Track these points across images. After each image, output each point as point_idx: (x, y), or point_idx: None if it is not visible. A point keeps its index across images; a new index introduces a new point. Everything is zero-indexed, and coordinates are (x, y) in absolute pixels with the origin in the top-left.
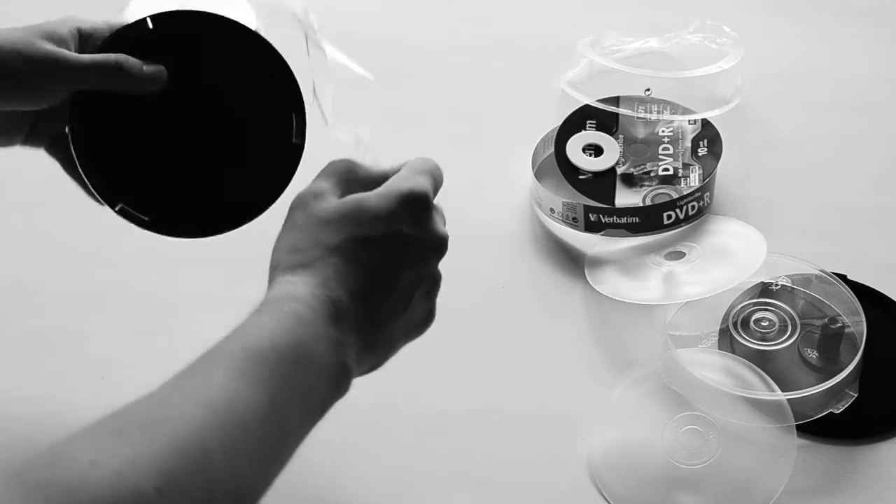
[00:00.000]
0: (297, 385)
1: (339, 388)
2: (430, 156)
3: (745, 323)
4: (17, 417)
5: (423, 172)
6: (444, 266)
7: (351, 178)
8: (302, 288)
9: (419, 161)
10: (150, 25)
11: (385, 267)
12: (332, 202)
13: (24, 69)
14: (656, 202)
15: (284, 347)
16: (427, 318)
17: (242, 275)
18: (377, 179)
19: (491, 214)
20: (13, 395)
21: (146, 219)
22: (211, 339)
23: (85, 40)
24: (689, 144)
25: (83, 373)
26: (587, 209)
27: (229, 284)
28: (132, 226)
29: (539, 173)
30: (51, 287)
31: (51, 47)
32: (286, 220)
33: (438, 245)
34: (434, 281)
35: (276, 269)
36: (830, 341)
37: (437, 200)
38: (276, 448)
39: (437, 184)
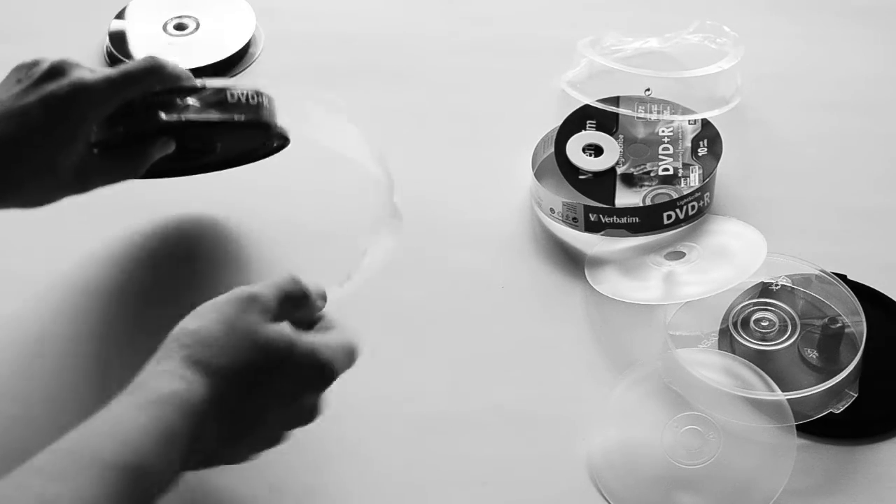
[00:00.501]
0: (147, 498)
1: (163, 495)
2: (431, 154)
3: (745, 323)
4: (17, 417)
5: (347, 354)
6: (444, 266)
7: (297, 308)
8: (189, 399)
9: (350, 340)
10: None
11: (259, 413)
12: (270, 328)
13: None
14: (656, 202)
15: (151, 469)
16: (243, 459)
17: (243, 275)
18: (308, 322)
19: (491, 214)
20: (13, 394)
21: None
22: None
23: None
24: (689, 144)
25: (83, 373)
26: (587, 209)
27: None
28: (133, 226)
29: (539, 173)
30: (51, 287)
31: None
32: (218, 306)
33: (312, 414)
34: (275, 440)
35: (181, 348)
36: (830, 341)
37: None
38: None
39: (348, 364)
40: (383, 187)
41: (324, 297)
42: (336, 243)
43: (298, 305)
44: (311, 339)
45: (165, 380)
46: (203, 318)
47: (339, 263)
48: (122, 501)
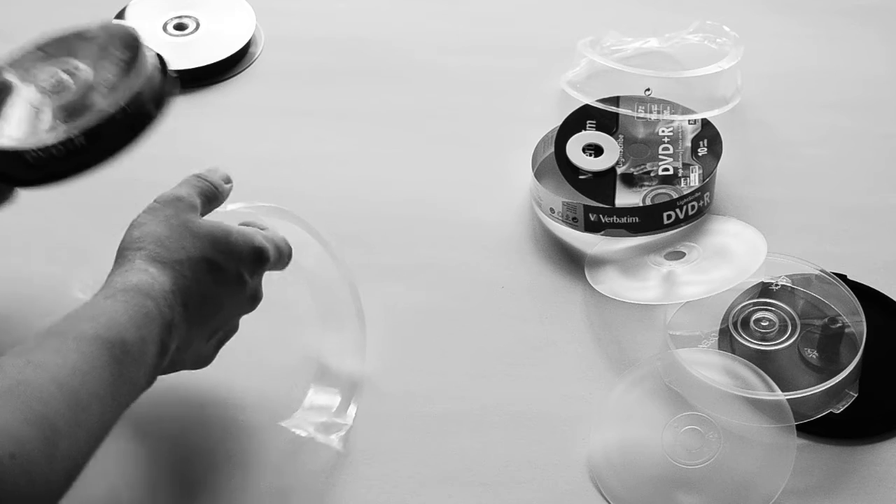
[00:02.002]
0: (131, 378)
1: (149, 384)
2: (431, 154)
3: (745, 323)
4: None
5: (277, 244)
6: (444, 266)
7: (211, 200)
8: (157, 287)
9: (275, 235)
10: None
11: (217, 296)
12: (204, 220)
13: None
14: (656, 202)
15: (131, 345)
16: (208, 358)
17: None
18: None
19: (491, 214)
20: None
21: None
22: None
23: None
24: (689, 144)
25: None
26: (587, 209)
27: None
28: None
29: (539, 173)
30: (50, 287)
31: None
32: (153, 210)
33: (255, 298)
34: (232, 328)
35: (136, 251)
36: (830, 341)
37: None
38: (107, 427)
39: (279, 257)
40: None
41: (228, 181)
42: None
43: (213, 198)
44: (244, 228)
45: (132, 275)
46: (145, 225)
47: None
48: (103, 371)
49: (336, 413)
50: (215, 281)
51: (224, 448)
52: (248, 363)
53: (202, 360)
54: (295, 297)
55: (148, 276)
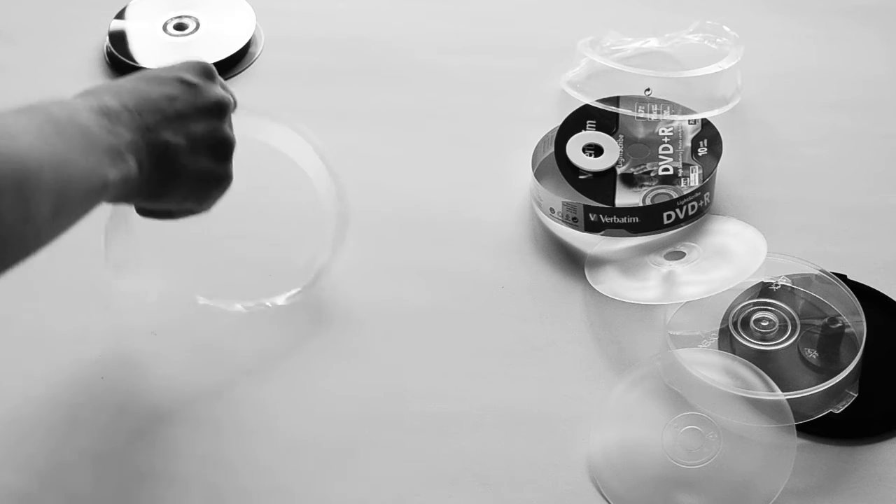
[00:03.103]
0: (76, 143)
1: (115, 166)
2: (431, 154)
3: (745, 323)
4: (17, 417)
5: (232, 101)
6: (444, 266)
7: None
8: (94, 94)
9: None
10: None
11: (162, 95)
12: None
13: None
14: (656, 202)
15: (63, 117)
16: (215, 175)
17: (242, 276)
18: None
19: (491, 214)
20: (13, 394)
21: None
22: (210, 339)
23: None
24: (689, 144)
25: (83, 373)
26: (587, 209)
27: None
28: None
29: (539, 173)
30: (51, 287)
31: None
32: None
33: (219, 101)
34: (222, 140)
35: (87, 92)
36: (830, 341)
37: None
38: (62, 191)
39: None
40: (333, 194)
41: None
42: (286, 248)
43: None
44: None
45: (88, 100)
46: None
47: (288, 270)
48: (74, 143)
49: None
50: (152, 84)
51: (223, 447)
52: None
53: (210, 180)
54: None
55: (100, 101)
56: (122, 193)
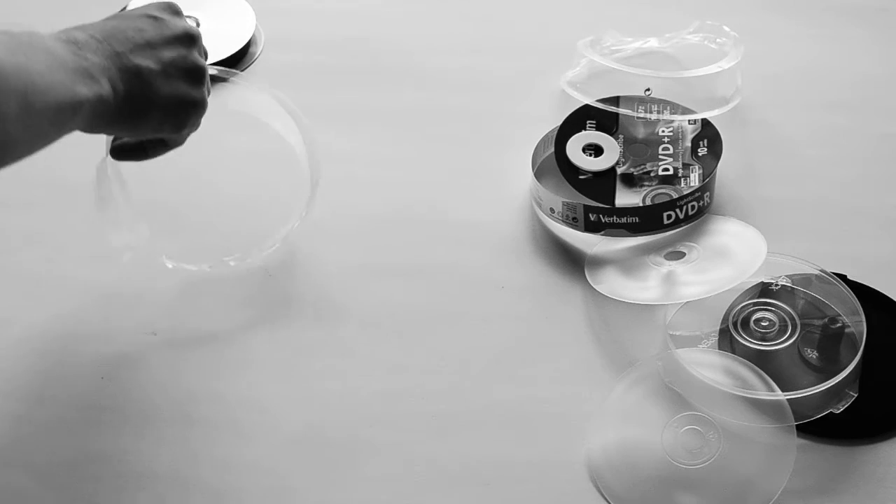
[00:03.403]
0: (40, 59)
1: (86, 84)
2: (431, 154)
3: (745, 323)
4: (17, 417)
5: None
6: (444, 266)
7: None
8: (61, 31)
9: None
10: None
11: (132, 27)
12: None
13: None
14: (656, 202)
15: (27, 39)
16: (190, 99)
17: (242, 276)
18: None
19: (491, 214)
20: (14, 395)
21: None
22: (210, 340)
23: None
24: (689, 144)
25: (83, 373)
26: (587, 209)
27: (228, 286)
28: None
29: (539, 173)
30: (51, 287)
31: None
32: None
33: (187, 31)
34: (193, 65)
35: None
36: (830, 341)
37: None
38: (27, 93)
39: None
40: (307, 159)
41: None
42: (258, 210)
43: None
44: None
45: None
46: None
47: (260, 230)
48: (38, 58)
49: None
50: (126, 17)
51: (222, 447)
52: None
53: (184, 104)
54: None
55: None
56: (98, 116)
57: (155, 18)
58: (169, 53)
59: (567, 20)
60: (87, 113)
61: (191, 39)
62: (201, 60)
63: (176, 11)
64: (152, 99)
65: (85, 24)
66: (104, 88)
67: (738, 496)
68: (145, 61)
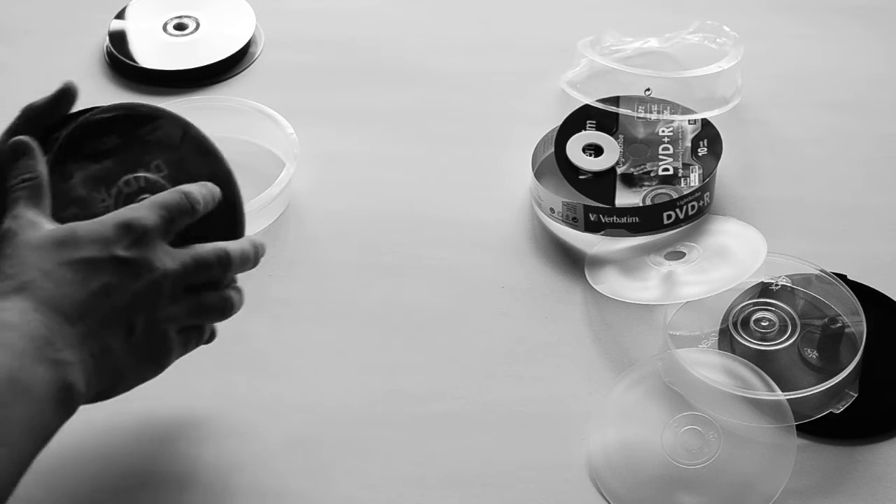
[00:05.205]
0: (16, 417)
1: (65, 407)
2: (431, 154)
3: (745, 323)
4: None
5: (151, 206)
6: (444, 266)
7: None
8: (15, 316)
9: (159, 195)
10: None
11: (99, 289)
12: (44, 230)
13: None
14: (656, 202)
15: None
16: (157, 354)
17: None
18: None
19: (491, 214)
20: None
21: None
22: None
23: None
24: (689, 144)
25: None
26: (587, 209)
27: None
28: None
29: (539, 173)
30: None
31: None
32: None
33: (157, 278)
34: (161, 319)
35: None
36: (830, 341)
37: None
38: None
39: (172, 216)
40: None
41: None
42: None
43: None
44: (104, 216)
45: (1, 315)
46: None
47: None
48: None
49: None
50: (85, 274)
51: (223, 448)
52: None
53: (155, 356)
54: None
55: (3, 311)
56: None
57: (126, 263)
58: (138, 319)
59: (567, 20)
60: (56, 425)
61: (157, 292)
62: (168, 310)
63: (138, 231)
64: (120, 374)
65: (54, 286)
66: (76, 407)
67: (738, 496)
68: (115, 341)
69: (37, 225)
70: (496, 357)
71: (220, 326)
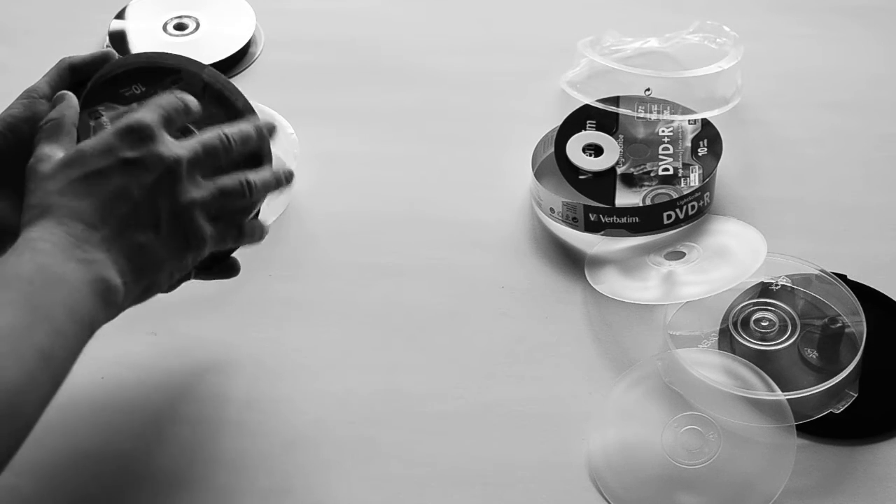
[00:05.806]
0: (59, 299)
1: (104, 300)
2: (431, 154)
3: (745, 323)
4: None
5: (147, 107)
6: (444, 266)
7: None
8: (38, 231)
9: (155, 97)
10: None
11: (115, 192)
12: (55, 159)
13: None
14: (656, 202)
15: (27, 274)
16: (191, 239)
17: (242, 276)
18: None
19: (491, 214)
20: None
21: None
22: (210, 340)
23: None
24: (689, 144)
25: (83, 373)
26: (587, 209)
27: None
28: None
29: (539, 173)
30: None
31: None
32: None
33: (170, 165)
34: (186, 203)
35: (21, 234)
36: (830, 341)
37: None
38: (45, 355)
39: (168, 112)
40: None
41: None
42: None
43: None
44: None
45: (16, 250)
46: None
47: None
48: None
49: None
50: (98, 183)
51: (223, 447)
52: None
53: (187, 248)
54: None
55: (27, 233)
56: (111, 306)
57: (134, 163)
58: (161, 208)
59: (567, 20)
60: (101, 317)
61: (173, 177)
62: (189, 197)
63: (142, 133)
64: (159, 267)
65: (71, 201)
66: (119, 301)
67: (738, 496)
68: (157, 258)
69: (52, 157)
70: (496, 357)
71: (220, 329)
